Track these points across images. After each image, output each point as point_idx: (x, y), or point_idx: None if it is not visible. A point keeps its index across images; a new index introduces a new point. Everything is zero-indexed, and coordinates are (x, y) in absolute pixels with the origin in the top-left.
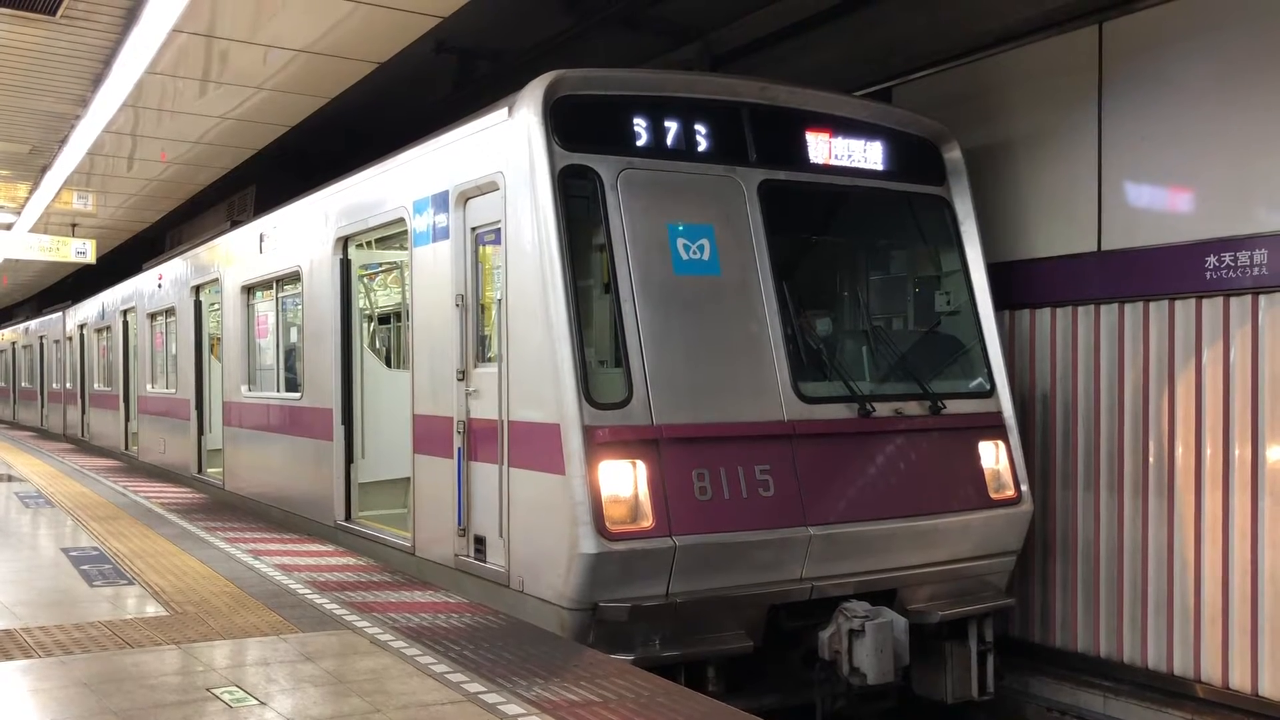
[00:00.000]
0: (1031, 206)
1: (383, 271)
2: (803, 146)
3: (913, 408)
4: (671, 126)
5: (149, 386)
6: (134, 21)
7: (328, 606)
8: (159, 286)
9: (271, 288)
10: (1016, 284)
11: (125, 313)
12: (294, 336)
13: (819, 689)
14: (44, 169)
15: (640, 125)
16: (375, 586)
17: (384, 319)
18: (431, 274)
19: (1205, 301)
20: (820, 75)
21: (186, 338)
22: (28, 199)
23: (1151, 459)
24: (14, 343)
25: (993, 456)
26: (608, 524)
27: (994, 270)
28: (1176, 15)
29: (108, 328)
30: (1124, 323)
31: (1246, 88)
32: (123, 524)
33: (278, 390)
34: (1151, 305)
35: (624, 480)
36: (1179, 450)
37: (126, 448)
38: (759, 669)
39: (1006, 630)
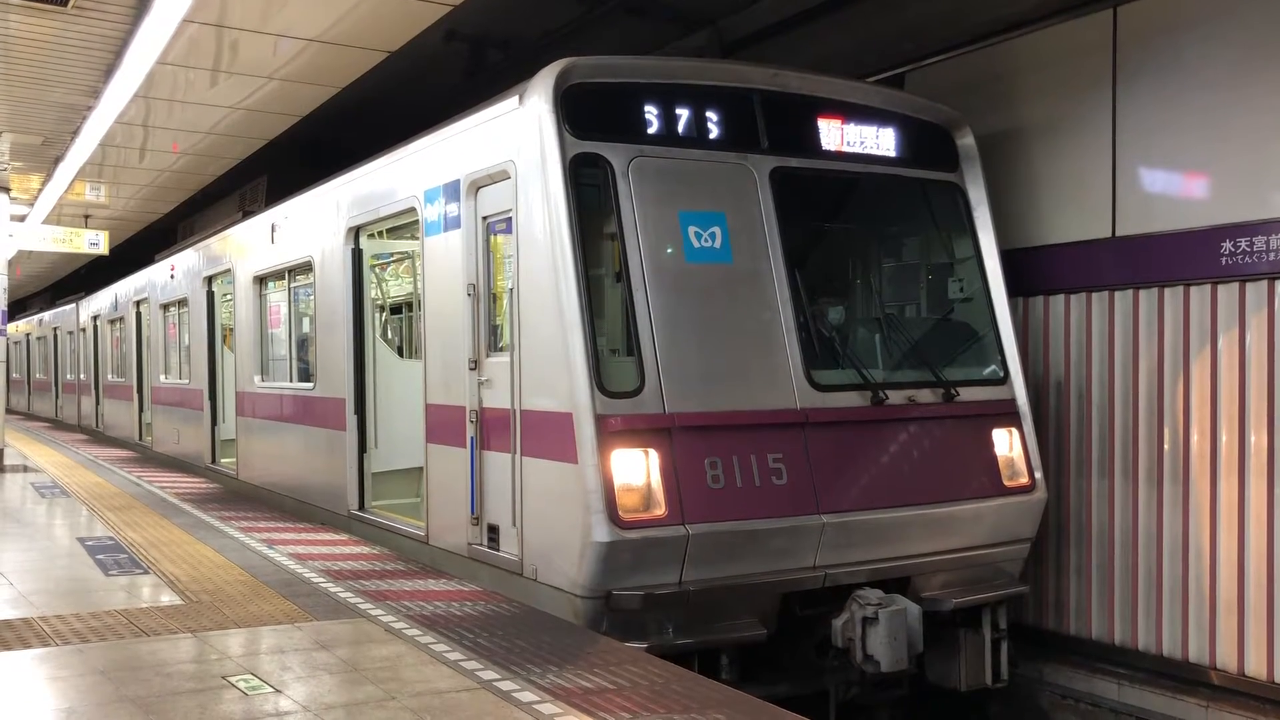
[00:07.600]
0: (1045, 193)
1: (394, 261)
2: (815, 133)
3: (926, 395)
4: (683, 114)
5: (162, 377)
6: (145, 11)
7: (342, 595)
8: (171, 277)
9: (284, 278)
10: (1030, 270)
11: (138, 304)
12: (306, 327)
13: (832, 677)
14: (57, 160)
15: (651, 113)
16: (389, 575)
17: (396, 309)
18: (443, 263)
19: (1220, 287)
20: (832, 61)
21: (199, 328)
22: (41, 190)
23: (1166, 446)
24: (29, 334)
25: (1006, 444)
26: (620, 512)
27: (1008, 257)
28: None
29: (121, 319)
30: (1139, 309)
31: (1262, 72)
32: (137, 514)
33: (290, 380)
34: (1166, 291)
35: (636, 469)
36: (1194, 437)
37: (140, 438)
38: (772, 657)
39: (1020, 618)
